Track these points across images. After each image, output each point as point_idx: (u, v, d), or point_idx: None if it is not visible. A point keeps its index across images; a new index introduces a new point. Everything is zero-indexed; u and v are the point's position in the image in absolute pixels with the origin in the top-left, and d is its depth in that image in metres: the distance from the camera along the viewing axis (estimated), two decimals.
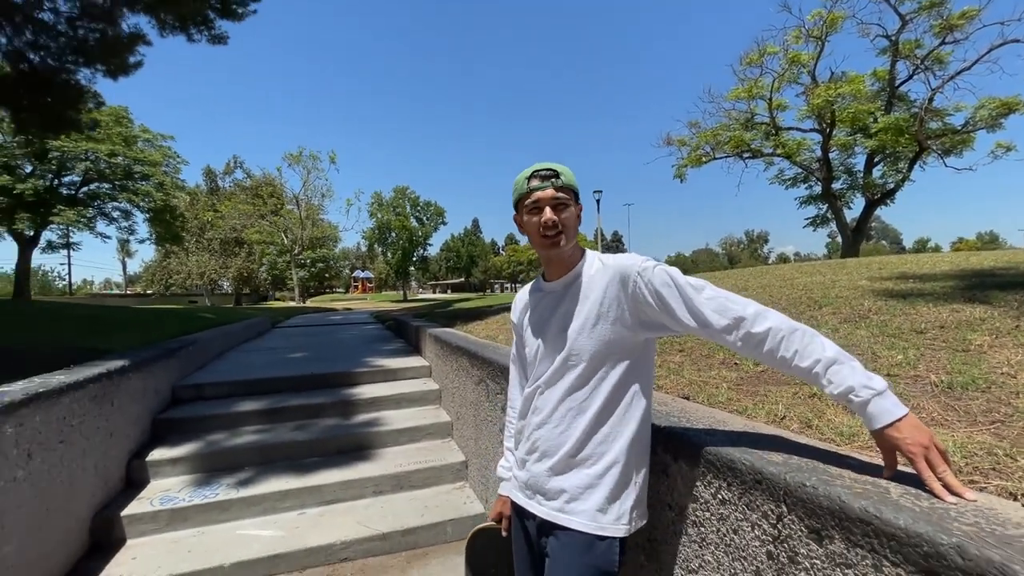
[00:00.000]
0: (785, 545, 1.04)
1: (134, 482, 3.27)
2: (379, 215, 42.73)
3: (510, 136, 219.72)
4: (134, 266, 76.65)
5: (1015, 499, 0.91)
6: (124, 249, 68.64)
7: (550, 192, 1.23)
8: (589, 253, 1.34)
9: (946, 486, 0.88)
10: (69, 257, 47.90)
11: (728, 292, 1.14)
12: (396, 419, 4.13)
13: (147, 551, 2.76)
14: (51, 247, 27.14)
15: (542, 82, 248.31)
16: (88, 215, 24.01)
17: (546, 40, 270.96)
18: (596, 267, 1.28)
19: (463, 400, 3.69)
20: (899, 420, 0.92)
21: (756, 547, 1.12)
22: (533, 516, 1.30)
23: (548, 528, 1.25)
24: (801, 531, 1.01)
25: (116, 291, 73.77)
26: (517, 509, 1.38)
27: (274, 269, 45.67)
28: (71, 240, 30.11)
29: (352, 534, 2.93)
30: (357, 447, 3.78)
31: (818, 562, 0.97)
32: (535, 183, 1.25)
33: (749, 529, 1.14)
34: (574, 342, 1.23)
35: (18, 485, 2.20)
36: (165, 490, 3.18)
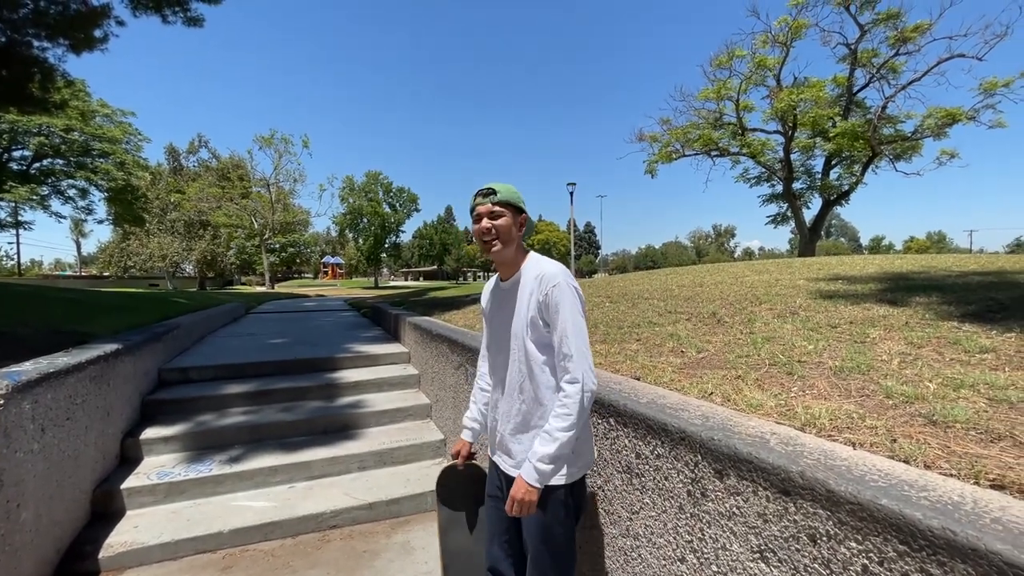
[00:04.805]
0: (699, 484, 1.40)
1: (128, 459, 3.45)
2: (350, 200, 41.98)
3: (486, 124, 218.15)
4: (89, 246, 73.08)
5: (853, 446, 1.28)
6: (78, 229, 65.46)
7: (487, 206, 1.51)
8: (533, 256, 1.58)
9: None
10: (18, 236, 45.41)
11: (581, 345, 1.41)
12: (378, 401, 4.39)
13: (148, 520, 2.98)
14: (0, 225, 25.85)
15: (518, 74, 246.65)
16: (42, 193, 22.96)
17: (522, 30, 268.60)
18: (533, 271, 1.52)
19: (442, 384, 3.98)
20: (525, 481, 1.41)
21: (679, 488, 1.47)
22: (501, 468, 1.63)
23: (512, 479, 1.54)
24: (710, 472, 1.36)
25: (69, 272, 70.08)
26: (493, 462, 1.70)
27: (243, 253, 44.47)
28: (21, 219, 28.71)
29: (340, 504, 3.21)
30: (342, 427, 4.03)
31: (720, 493, 1.33)
32: (478, 199, 1.54)
33: (675, 475, 1.49)
34: (515, 335, 1.54)
35: (34, 457, 2.38)
36: (160, 466, 3.37)
